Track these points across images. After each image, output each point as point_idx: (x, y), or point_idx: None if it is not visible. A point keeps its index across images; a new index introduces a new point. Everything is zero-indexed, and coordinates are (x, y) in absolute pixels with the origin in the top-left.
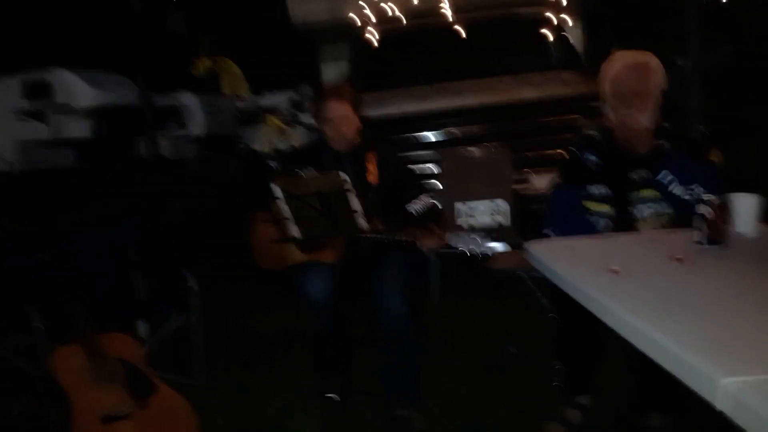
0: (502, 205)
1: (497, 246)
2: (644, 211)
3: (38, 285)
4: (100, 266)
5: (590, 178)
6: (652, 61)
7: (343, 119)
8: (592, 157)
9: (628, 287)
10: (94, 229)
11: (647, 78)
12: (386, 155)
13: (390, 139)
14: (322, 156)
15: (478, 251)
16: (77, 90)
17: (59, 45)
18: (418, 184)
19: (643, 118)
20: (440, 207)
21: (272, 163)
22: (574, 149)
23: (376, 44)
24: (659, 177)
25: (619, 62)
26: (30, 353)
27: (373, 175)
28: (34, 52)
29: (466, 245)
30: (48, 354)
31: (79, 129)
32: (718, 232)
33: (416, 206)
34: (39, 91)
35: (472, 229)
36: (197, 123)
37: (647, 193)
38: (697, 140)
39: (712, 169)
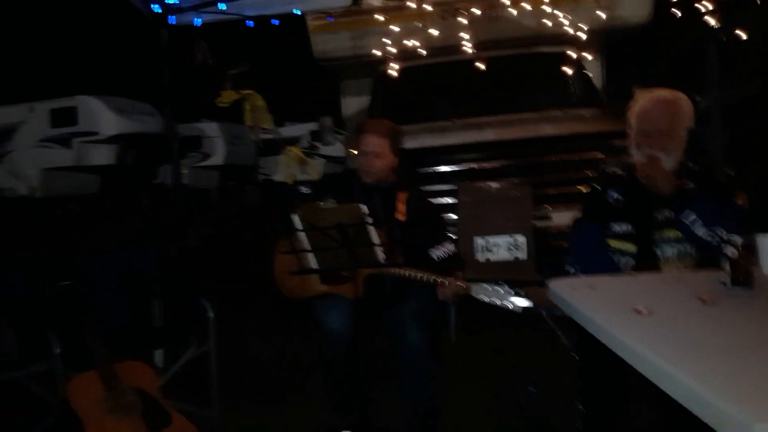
0: (521, 240)
1: (523, 303)
2: (667, 251)
3: (58, 311)
4: (119, 293)
5: (613, 216)
6: (681, 98)
7: (376, 154)
8: (615, 195)
9: (654, 328)
10: (114, 256)
11: (674, 116)
12: (418, 197)
13: (416, 175)
14: (353, 187)
15: (501, 304)
16: (102, 117)
17: (87, 73)
18: (445, 232)
19: (667, 159)
20: (460, 247)
21: (303, 189)
22: (596, 185)
23: (397, 79)
24: (682, 216)
25: (647, 98)
26: (48, 380)
27: (401, 213)
28: (62, 80)
29: (488, 297)
30: (65, 381)
31: (102, 156)
32: (744, 274)
33: (439, 252)
34: (65, 118)
35: (494, 270)
36: (219, 153)
37: (671, 233)
38: (722, 181)
39: (737, 211)
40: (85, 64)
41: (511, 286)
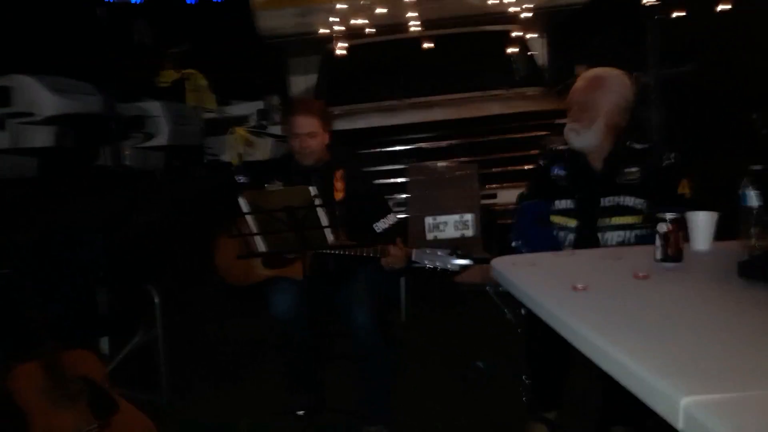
0: (469, 218)
1: (462, 262)
2: (610, 238)
3: None
4: (62, 281)
5: (557, 192)
6: (611, 74)
7: (310, 135)
8: (560, 171)
9: (589, 303)
10: (56, 242)
11: (593, 89)
12: (354, 173)
13: (358, 155)
14: (291, 170)
15: (444, 267)
16: (39, 97)
17: (22, 51)
18: (385, 204)
19: (582, 132)
20: (407, 223)
21: (240, 178)
22: (542, 162)
23: (344, 58)
24: (627, 203)
25: (581, 76)
26: None
27: (339, 192)
28: None
29: (431, 262)
30: (6, 372)
31: (40, 137)
32: (674, 248)
33: (381, 224)
34: None
35: (438, 245)
36: (163, 133)
37: (616, 220)
38: (665, 167)
39: (679, 203)
40: (20, 42)
41: (451, 251)
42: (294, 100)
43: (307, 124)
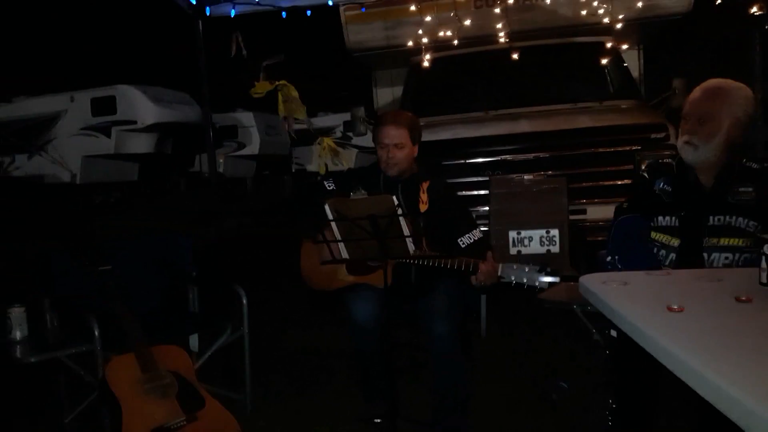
0: (555, 233)
1: (550, 279)
2: (717, 259)
3: (97, 295)
4: (155, 279)
5: (660, 208)
6: (730, 86)
7: (397, 146)
8: (662, 185)
9: (686, 326)
10: (151, 242)
11: (711, 101)
12: (439, 187)
13: (444, 167)
14: (377, 180)
15: (531, 284)
16: (141, 106)
17: (127, 63)
18: (470, 219)
19: (699, 146)
20: (492, 240)
21: (328, 184)
22: (646, 174)
23: (430, 69)
24: (738, 224)
25: (699, 86)
26: (89, 360)
27: (424, 204)
28: (103, 69)
29: (518, 277)
30: (104, 362)
31: (141, 144)
32: None
33: (467, 239)
34: (105, 107)
35: (525, 261)
36: (254, 142)
37: (725, 241)
38: None
39: None
40: (124, 54)
41: (540, 267)
42: (384, 112)
43: (395, 135)
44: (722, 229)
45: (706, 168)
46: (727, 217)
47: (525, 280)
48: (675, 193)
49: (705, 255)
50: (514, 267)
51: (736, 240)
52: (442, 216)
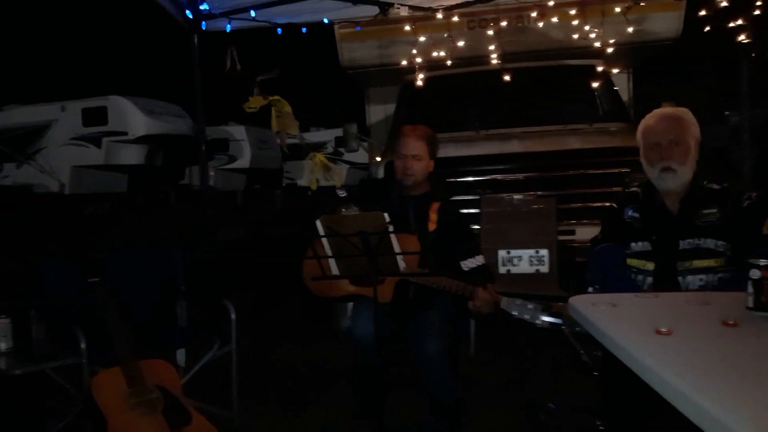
0: (544, 253)
1: (552, 320)
2: (692, 282)
3: (85, 307)
4: (145, 291)
5: (632, 235)
6: (685, 112)
7: (415, 157)
8: (634, 213)
9: (675, 349)
10: (141, 255)
11: (679, 127)
12: (449, 209)
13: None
14: (389, 193)
15: (532, 322)
16: (132, 117)
17: (120, 74)
18: (475, 244)
19: (681, 170)
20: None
21: (341, 192)
22: (615, 205)
23: (423, 88)
24: (708, 245)
25: (651, 115)
26: (75, 373)
27: (432, 223)
28: (95, 80)
29: (520, 313)
30: (90, 376)
31: (132, 155)
32: None
33: (469, 263)
34: (96, 118)
35: (527, 298)
36: (245, 156)
37: (698, 263)
38: (749, 209)
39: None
40: (118, 65)
41: (544, 306)
42: (405, 124)
43: (414, 146)
44: (693, 252)
45: (671, 193)
46: (697, 240)
47: (527, 317)
48: (644, 219)
49: (680, 279)
50: (518, 302)
51: (709, 261)
52: (448, 237)
